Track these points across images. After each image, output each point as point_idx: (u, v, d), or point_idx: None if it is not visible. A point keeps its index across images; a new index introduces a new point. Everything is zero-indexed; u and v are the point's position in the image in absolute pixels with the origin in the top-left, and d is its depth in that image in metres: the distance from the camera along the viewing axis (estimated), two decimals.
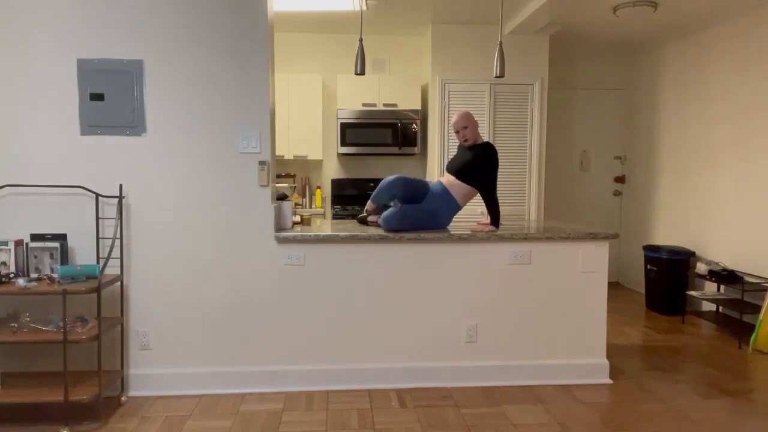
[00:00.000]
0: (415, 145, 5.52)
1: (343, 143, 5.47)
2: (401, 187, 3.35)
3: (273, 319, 3.25)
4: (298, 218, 3.65)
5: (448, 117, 5.35)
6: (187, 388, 3.22)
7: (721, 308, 4.91)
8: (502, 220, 3.98)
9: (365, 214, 3.66)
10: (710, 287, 5.04)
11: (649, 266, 5.34)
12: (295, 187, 3.86)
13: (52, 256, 2.98)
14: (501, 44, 3.50)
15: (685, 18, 4.87)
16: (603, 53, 6.28)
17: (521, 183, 5.46)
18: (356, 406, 3.05)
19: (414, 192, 3.40)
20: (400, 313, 3.31)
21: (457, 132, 3.47)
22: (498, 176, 5.24)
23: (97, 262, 3.10)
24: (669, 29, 5.24)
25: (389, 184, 3.37)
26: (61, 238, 3.02)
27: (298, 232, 3.26)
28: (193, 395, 3.19)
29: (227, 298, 3.22)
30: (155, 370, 3.21)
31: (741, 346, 4.20)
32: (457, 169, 3.43)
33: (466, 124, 3.43)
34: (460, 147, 3.60)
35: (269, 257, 3.22)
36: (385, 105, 5.50)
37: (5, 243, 2.89)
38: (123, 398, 3.09)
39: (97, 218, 3.07)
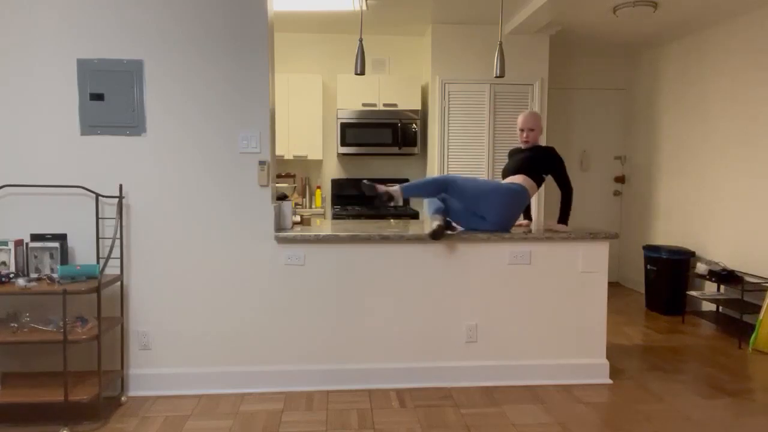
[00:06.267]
0: (415, 145, 5.52)
1: (343, 143, 5.47)
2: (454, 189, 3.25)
3: (273, 319, 3.25)
4: (298, 218, 3.65)
5: (449, 117, 5.35)
6: (187, 388, 3.22)
7: (721, 308, 4.91)
8: None
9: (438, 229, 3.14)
10: (710, 287, 5.03)
11: (649, 266, 5.34)
12: (295, 187, 3.86)
13: (52, 256, 2.97)
14: (501, 44, 3.50)
15: (685, 18, 4.87)
16: (603, 53, 6.28)
17: None
18: (356, 406, 3.05)
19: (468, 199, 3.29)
20: (400, 313, 3.31)
21: (522, 130, 3.50)
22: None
23: (97, 262, 3.10)
24: (669, 29, 5.24)
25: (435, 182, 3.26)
26: (61, 238, 3.02)
27: (298, 232, 3.26)
28: (193, 395, 3.19)
29: (227, 297, 3.22)
30: (155, 370, 3.21)
31: (741, 346, 4.20)
32: (528, 166, 3.42)
33: (535, 126, 3.49)
34: (517, 150, 3.64)
35: (269, 257, 3.22)
36: (385, 105, 5.50)
37: (5, 243, 2.89)
38: (123, 398, 3.09)
39: (97, 218, 3.07)
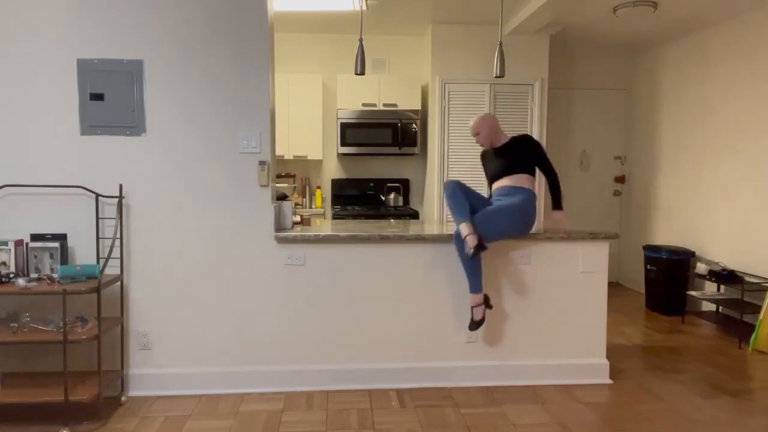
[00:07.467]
0: (415, 145, 5.52)
1: (343, 143, 5.47)
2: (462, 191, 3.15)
3: (273, 319, 3.25)
4: (298, 218, 3.65)
5: (449, 117, 5.35)
6: (187, 388, 3.22)
7: (721, 308, 4.91)
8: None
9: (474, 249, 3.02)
10: (710, 287, 5.03)
11: (649, 266, 5.34)
12: (295, 187, 3.86)
13: (52, 256, 2.98)
14: (501, 44, 3.50)
15: (685, 18, 4.87)
16: (603, 53, 6.28)
17: None
18: (356, 406, 3.05)
19: (474, 198, 3.23)
20: (400, 313, 3.31)
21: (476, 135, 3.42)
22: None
23: (97, 262, 3.10)
24: (669, 29, 5.25)
25: (451, 192, 3.15)
26: (61, 238, 3.02)
27: (298, 232, 3.26)
28: (193, 395, 3.19)
29: (227, 297, 3.22)
30: (155, 370, 3.21)
31: (741, 346, 4.20)
32: (511, 164, 3.31)
33: (480, 130, 3.38)
34: (489, 152, 3.49)
35: (269, 257, 3.22)
36: (385, 105, 5.50)
37: (5, 243, 2.89)
38: (123, 398, 3.09)
39: (97, 218, 3.07)
